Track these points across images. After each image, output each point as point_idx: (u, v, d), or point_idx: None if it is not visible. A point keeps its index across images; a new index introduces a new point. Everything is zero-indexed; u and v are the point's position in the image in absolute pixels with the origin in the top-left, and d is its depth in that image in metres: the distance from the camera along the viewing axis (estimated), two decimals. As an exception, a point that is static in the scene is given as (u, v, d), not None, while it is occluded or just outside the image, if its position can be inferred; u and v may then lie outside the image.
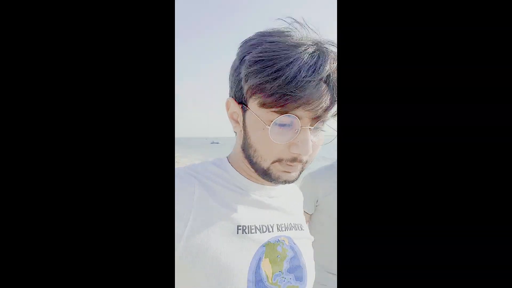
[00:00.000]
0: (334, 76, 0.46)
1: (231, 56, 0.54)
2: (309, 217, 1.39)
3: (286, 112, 0.45)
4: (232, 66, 0.52)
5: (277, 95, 0.44)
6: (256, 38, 0.49)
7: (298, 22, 0.49)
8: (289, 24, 0.49)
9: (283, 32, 0.48)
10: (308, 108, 0.45)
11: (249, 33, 0.52)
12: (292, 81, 0.43)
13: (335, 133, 0.51)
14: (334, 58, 0.47)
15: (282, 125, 0.47)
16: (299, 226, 0.61)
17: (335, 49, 0.49)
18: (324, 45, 0.48)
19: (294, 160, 0.50)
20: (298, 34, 0.48)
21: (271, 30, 0.49)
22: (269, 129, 0.47)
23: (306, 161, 0.51)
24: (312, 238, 0.65)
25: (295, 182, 0.56)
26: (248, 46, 0.49)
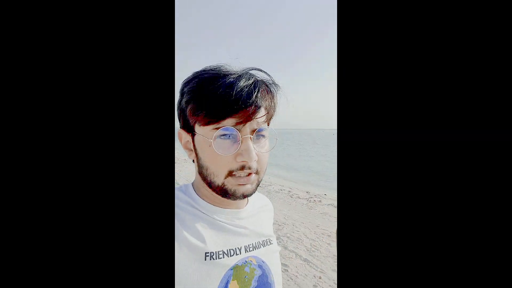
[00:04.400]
0: (259, 94, 0.52)
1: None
2: None
3: (224, 126, 0.51)
4: (177, 103, 0.58)
5: (211, 112, 0.51)
6: (192, 75, 0.57)
7: (228, 64, 0.56)
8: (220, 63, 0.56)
9: (215, 67, 0.56)
10: (239, 120, 0.51)
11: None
12: (220, 97, 0.50)
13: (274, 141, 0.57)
14: (259, 81, 0.54)
15: (223, 136, 0.52)
16: (268, 241, 0.63)
17: (262, 74, 0.57)
18: (249, 71, 0.55)
19: (242, 168, 0.53)
20: (228, 67, 0.55)
21: (205, 67, 0.57)
22: (214, 144, 0.51)
23: (257, 171, 0.54)
24: (279, 248, 0.67)
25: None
26: (186, 82, 0.57)
